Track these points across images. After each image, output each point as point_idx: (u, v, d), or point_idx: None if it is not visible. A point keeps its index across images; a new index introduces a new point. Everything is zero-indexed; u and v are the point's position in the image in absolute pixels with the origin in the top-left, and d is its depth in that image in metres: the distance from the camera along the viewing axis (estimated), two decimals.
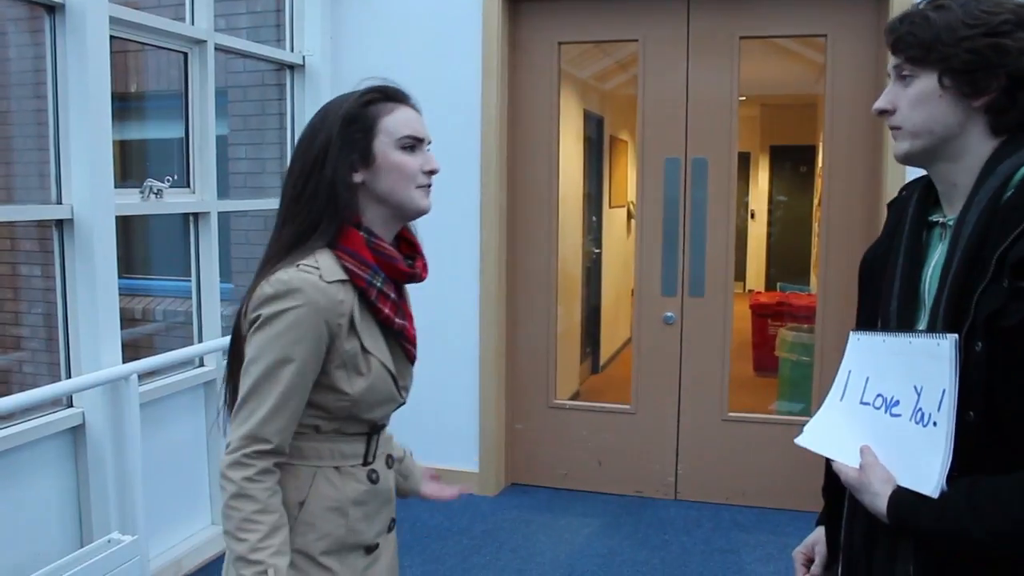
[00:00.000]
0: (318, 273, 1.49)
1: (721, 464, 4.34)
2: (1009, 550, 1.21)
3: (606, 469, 4.50)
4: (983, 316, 1.20)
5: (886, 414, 1.33)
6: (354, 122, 1.57)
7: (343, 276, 1.53)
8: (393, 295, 1.60)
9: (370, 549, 1.66)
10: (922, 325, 1.34)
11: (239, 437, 1.48)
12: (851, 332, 1.44)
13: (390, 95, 1.62)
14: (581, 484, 4.53)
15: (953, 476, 1.23)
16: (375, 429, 1.65)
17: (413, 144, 1.60)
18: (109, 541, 2.93)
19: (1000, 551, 1.21)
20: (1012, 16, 1.27)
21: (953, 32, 1.27)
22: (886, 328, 1.40)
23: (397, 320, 1.61)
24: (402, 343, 1.64)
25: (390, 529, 1.73)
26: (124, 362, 3.20)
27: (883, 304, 1.42)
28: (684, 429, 4.38)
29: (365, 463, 1.64)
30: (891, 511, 1.27)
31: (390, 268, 1.58)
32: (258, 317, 1.50)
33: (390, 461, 1.75)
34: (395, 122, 1.59)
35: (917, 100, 1.32)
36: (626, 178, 7.14)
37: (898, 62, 1.35)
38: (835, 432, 1.41)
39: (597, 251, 6.55)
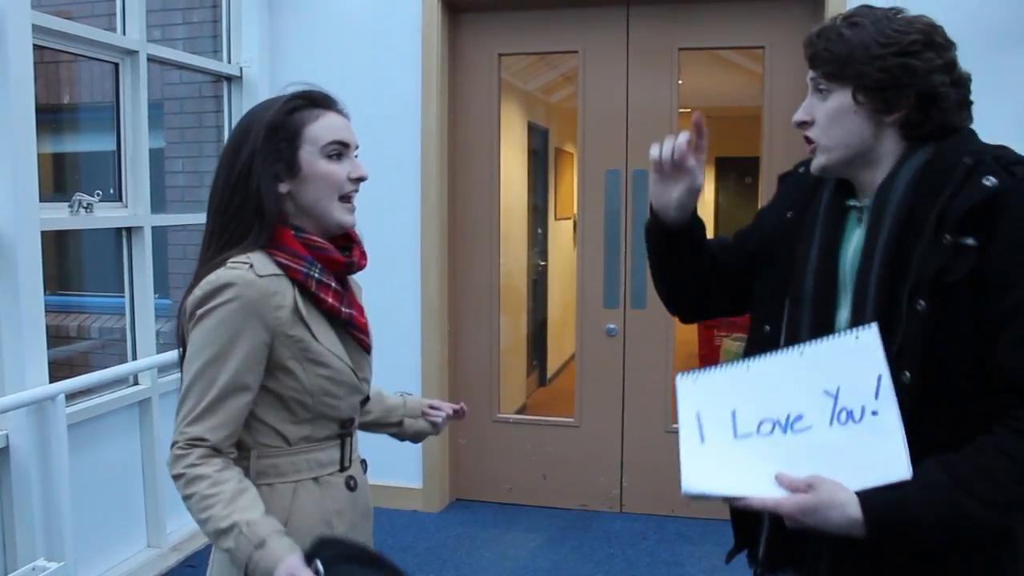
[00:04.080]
0: (247, 266, 1.47)
1: (666, 476, 4.32)
2: (1007, 518, 1.23)
3: (551, 483, 4.47)
4: (929, 274, 1.23)
5: (787, 434, 1.29)
6: (278, 131, 1.53)
7: (277, 271, 1.50)
8: (335, 284, 1.57)
9: None
10: (845, 306, 1.37)
11: (177, 434, 1.47)
12: (678, 376, 1.42)
13: (315, 101, 1.59)
14: (526, 499, 4.50)
15: None
16: (346, 429, 1.61)
17: (340, 151, 1.56)
18: (34, 568, 2.83)
19: (998, 522, 1.23)
20: (921, 36, 1.32)
21: (866, 50, 1.32)
22: (798, 307, 1.42)
23: (343, 309, 1.57)
24: (353, 333, 1.61)
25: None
26: (53, 381, 3.11)
27: (794, 285, 1.43)
28: (628, 441, 4.37)
29: (342, 469, 1.61)
30: (869, 515, 1.22)
31: (325, 259, 1.55)
32: (193, 318, 1.48)
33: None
34: (320, 129, 1.55)
35: (833, 115, 1.38)
36: (572, 190, 7.13)
37: (815, 75, 1.41)
38: (727, 472, 1.32)
39: (543, 263, 6.53)
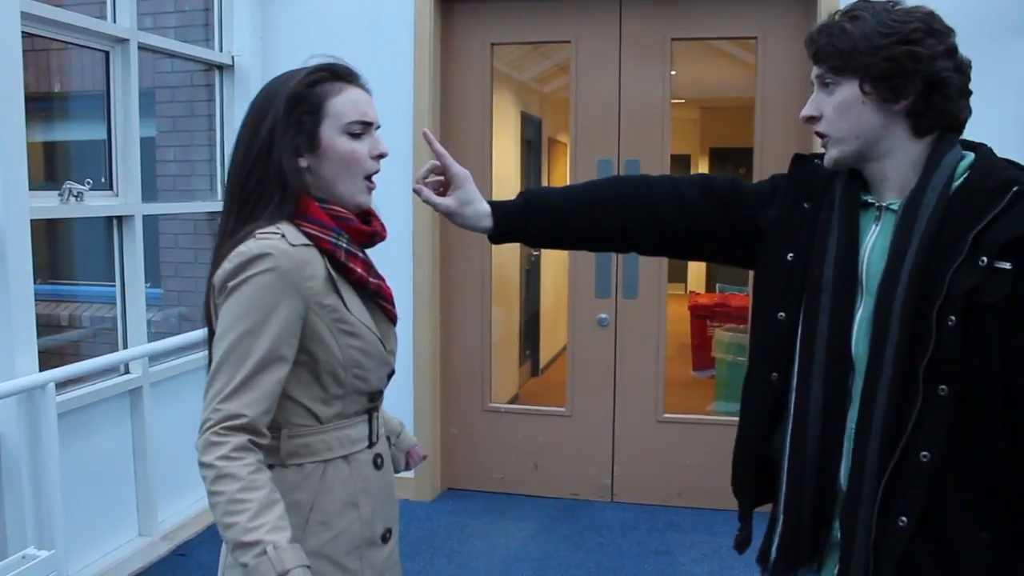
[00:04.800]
0: (279, 236, 1.43)
1: (657, 466, 4.35)
2: None
3: (542, 472, 4.48)
4: (961, 292, 1.27)
5: None
6: (300, 103, 1.50)
7: (307, 241, 1.47)
8: (362, 254, 1.56)
9: (385, 537, 1.62)
10: (864, 304, 1.39)
11: (209, 411, 1.38)
12: None
13: (339, 74, 1.56)
14: (517, 488, 4.51)
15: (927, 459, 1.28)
16: (374, 402, 1.60)
17: (361, 130, 1.54)
18: (24, 557, 2.82)
19: None
20: (921, 24, 1.35)
21: (870, 41, 1.35)
22: (815, 296, 1.42)
23: (371, 279, 1.55)
24: (380, 303, 1.59)
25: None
26: (44, 370, 3.10)
27: (812, 274, 1.44)
28: (620, 431, 4.38)
29: (370, 445, 1.59)
30: None
31: (350, 230, 1.53)
32: (224, 291, 1.43)
33: (390, 440, 1.73)
34: (343, 104, 1.53)
35: (841, 107, 1.40)
36: (565, 180, 7.14)
37: (820, 71, 1.43)
38: None
39: (536, 254, 6.53)
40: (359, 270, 1.53)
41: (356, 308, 1.52)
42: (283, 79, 1.54)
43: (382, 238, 1.63)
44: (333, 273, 1.49)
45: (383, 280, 1.61)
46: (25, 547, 2.90)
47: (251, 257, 1.41)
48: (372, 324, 1.55)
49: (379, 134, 1.60)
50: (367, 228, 1.58)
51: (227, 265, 1.42)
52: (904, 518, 1.31)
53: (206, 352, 1.56)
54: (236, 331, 1.40)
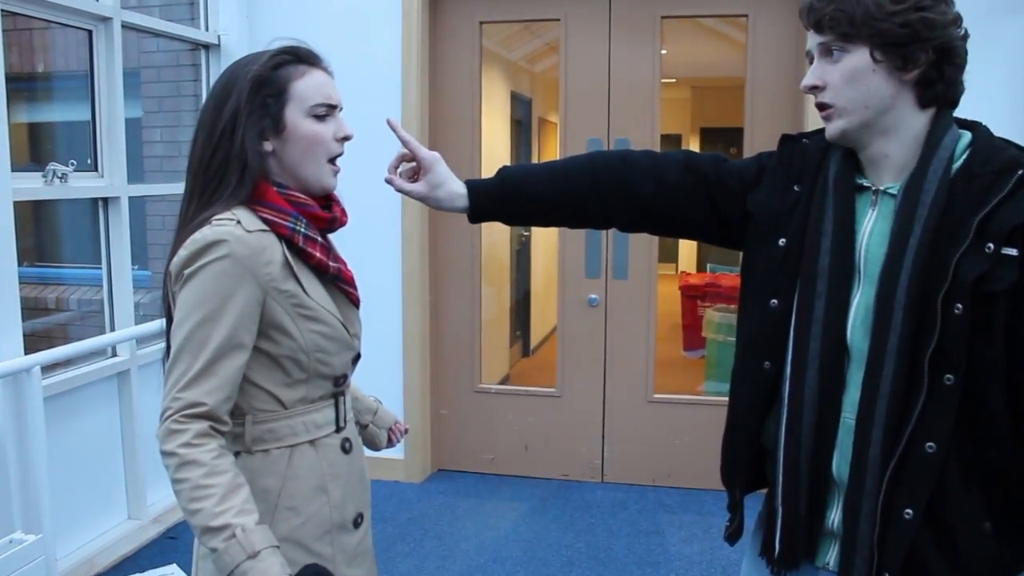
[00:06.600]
0: (235, 222, 1.42)
1: (647, 446, 4.35)
2: None
3: (533, 453, 4.47)
4: (968, 280, 1.24)
5: None
6: (264, 86, 1.48)
7: (263, 227, 1.45)
8: (321, 239, 1.54)
9: (357, 522, 1.61)
10: (862, 291, 1.36)
11: (169, 399, 1.38)
12: None
13: (301, 57, 1.54)
14: (508, 469, 4.51)
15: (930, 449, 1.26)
16: (339, 387, 1.59)
17: (325, 112, 1.52)
18: (11, 541, 2.81)
19: None
20: None
21: (882, 8, 1.31)
22: (811, 282, 1.39)
23: (331, 263, 1.54)
24: (341, 287, 1.58)
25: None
26: (30, 354, 3.08)
27: (806, 260, 1.41)
28: (610, 412, 4.38)
29: (338, 429, 1.58)
30: None
31: (309, 215, 1.52)
32: (180, 279, 1.42)
33: (368, 419, 1.74)
34: (307, 87, 1.51)
35: (851, 75, 1.35)
36: None
37: (824, 39, 1.37)
38: None
39: (526, 234, 6.51)
40: (318, 254, 1.51)
41: (316, 293, 1.51)
42: (246, 61, 1.52)
43: (342, 224, 1.62)
44: (291, 258, 1.48)
45: (344, 264, 1.60)
46: (12, 532, 2.89)
47: (206, 244, 1.40)
48: (334, 308, 1.54)
49: (343, 116, 1.58)
50: (327, 214, 1.56)
51: (183, 252, 1.41)
52: (910, 510, 1.28)
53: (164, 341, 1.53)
54: (193, 319, 1.39)
